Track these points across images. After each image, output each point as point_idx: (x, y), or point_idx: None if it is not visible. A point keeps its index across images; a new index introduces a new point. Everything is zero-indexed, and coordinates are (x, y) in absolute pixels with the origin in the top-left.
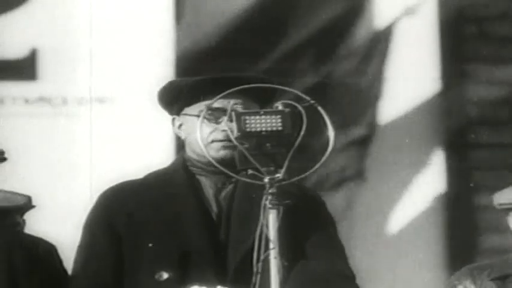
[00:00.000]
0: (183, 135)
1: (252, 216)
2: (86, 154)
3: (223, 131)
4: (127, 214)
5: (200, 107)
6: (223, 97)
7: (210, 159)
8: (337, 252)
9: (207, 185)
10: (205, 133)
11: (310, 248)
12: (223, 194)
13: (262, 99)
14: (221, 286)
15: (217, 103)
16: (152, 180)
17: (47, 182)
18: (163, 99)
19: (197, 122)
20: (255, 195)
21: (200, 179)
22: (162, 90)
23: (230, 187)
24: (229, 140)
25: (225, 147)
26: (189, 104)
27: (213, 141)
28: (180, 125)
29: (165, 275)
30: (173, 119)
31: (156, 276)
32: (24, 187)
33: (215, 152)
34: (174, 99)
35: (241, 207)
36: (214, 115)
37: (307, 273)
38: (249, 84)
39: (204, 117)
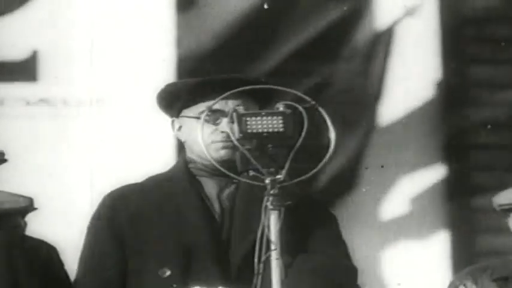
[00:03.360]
0: (182, 138)
1: (254, 215)
2: (86, 155)
3: (222, 132)
4: (130, 214)
5: (199, 108)
6: (222, 98)
7: (212, 161)
8: (339, 248)
9: (209, 185)
10: (204, 134)
11: (312, 245)
12: (225, 193)
13: (261, 101)
14: (223, 287)
15: (216, 105)
16: (154, 183)
17: (48, 184)
18: (163, 101)
19: (196, 123)
20: (257, 195)
21: (202, 180)
22: (161, 93)
23: (232, 187)
24: (229, 141)
25: (224, 148)
26: (187, 106)
27: (212, 143)
28: (180, 127)
29: (168, 272)
30: (172, 121)
31: (160, 273)
32: (24, 189)
33: (215, 152)
34: (173, 101)
35: (244, 206)
36: (213, 116)
37: (308, 263)
38: (248, 85)
39: (205, 119)
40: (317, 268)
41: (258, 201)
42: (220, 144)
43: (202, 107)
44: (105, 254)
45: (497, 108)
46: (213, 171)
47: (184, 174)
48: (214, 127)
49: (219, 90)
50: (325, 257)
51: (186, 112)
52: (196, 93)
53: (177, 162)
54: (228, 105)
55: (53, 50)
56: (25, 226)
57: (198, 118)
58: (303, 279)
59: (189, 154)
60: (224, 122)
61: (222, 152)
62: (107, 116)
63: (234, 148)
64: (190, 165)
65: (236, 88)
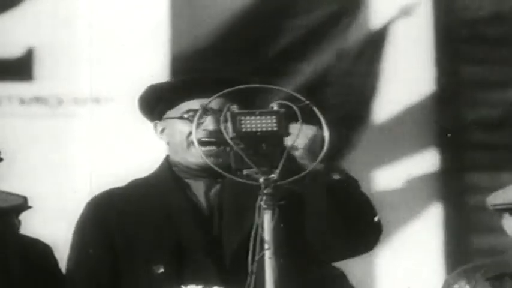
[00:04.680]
0: (165, 139)
1: (243, 210)
2: (82, 154)
3: (205, 130)
4: (117, 215)
5: (181, 109)
6: (200, 98)
7: (205, 158)
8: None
9: (195, 186)
10: (186, 133)
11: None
12: (212, 192)
13: (244, 100)
14: (217, 287)
15: (198, 105)
16: (139, 185)
17: (44, 183)
18: (145, 104)
19: (180, 124)
20: (244, 189)
21: (187, 181)
22: (143, 96)
23: (218, 186)
24: (211, 138)
25: (208, 154)
26: (170, 107)
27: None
28: (163, 130)
29: (161, 269)
30: (155, 124)
31: (154, 269)
32: (20, 188)
33: (195, 159)
34: (156, 102)
35: (232, 201)
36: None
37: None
38: (230, 84)
39: (187, 119)
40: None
41: (245, 196)
42: (205, 150)
43: (184, 107)
44: (95, 256)
45: (491, 108)
46: (197, 173)
47: (170, 175)
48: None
49: (201, 89)
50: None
51: (169, 113)
52: (179, 93)
53: (161, 165)
54: (210, 104)
55: (48, 48)
56: (19, 225)
57: (182, 118)
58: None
59: (173, 156)
60: (208, 120)
61: (206, 149)
62: (103, 115)
63: (217, 154)
64: (175, 168)
65: (218, 86)
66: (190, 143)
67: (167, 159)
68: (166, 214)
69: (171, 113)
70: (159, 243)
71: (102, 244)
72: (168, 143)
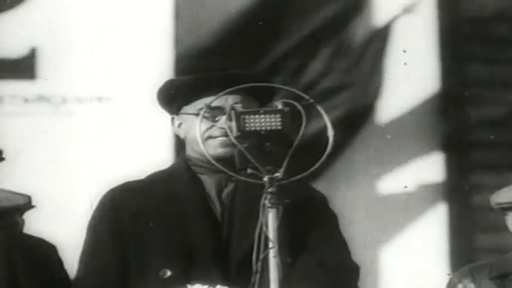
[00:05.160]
0: (182, 134)
1: (254, 214)
2: (85, 153)
3: (221, 128)
4: (131, 213)
5: (198, 105)
6: (223, 95)
7: (208, 156)
8: (339, 245)
9: (209, 183)
10: (202, 131)
11: (312, 243)
12: (225, 192)
13: (261, 98)
14: (221, 286)
15: (216, 101)
16: (155, 180)
17: (46, 182)
18: (162, 98)
19: (196, 120)
20: (256, 194)
21: (202, 178)
22: (161, 89)
23: (232, 185)
24: (226, 137)
25: (222, 145)
26: (187, 103)
27: (209, 138)
28: (180, 124)
29: (169, 272)
30: (172, 119)
31: (160, 273)
32: (23, 187)
33: (213, 149)
34: (173, 97)
35: (243, 205)
36: (212, 113)
37: (312, 262)
38: (246, 82)
39: (204, 116)
40: (323, 268)
41: (257, 200)
42: (218, 141)
43: (201, 103)
44: (106, 251)
45: (496, 107)
46: (212, 169)
47: (185, 172)
48: (212, 123)
49: (218, 87)
50: (329, 255)
51: (186, 109)
52: (196, 90)
53: (178, 160)
54: (227, 101)
55: (51, 47)
56: (23, 224)
57: (197, 115)
58: (306, 278)
59: (189, 151)
60: (223, 119)
61: (220, 150)
62: (105, 114)
63: (232, 146)
64: (190, 163)
65: (235, 84)
66: (207, 138)
67: (183, 155)
68: (179, 216)
69: (188, 108)
70: (169, 246)
71: (114, 242)
72: (184, 138)
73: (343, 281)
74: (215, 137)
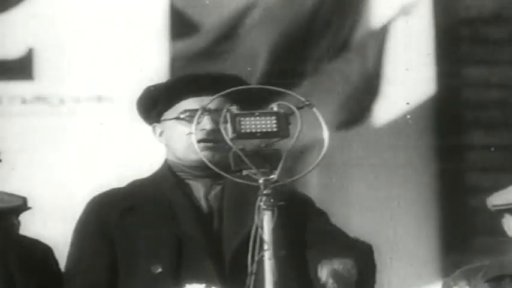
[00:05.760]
0: (164, 142)
1: (243, 210)
2: (83, 154)
3: (202, 130)
4: (118, 214)
5: (178, 109)
6: (196, 97)
7: (204, 159)
8: (340, 230)
9: (196, 187)
10: (184, 134)
11: (311, 236)
12: (212, 194)
13: (243, 100)
14: (216, 286)
15: (195, 104)
16: (141, 185)
17: (44, 183)
18: (142, 106)
19: (178, 125)
20: (244, 191)
21: (188, 182)
22: (140, 98)
23: (218, 188)
24: (208, 140)
25: (205, 148)
26: (167, 108)
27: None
28: (161, 132)
29: (159, 269)
30: (154, 127)
31: (152, 269)
32: (20, 188)
33: (194, 154)
34: (153, 104)
35: (233, 203)
36: (193, 116)
37: (328, 237)
38: (225, 83)
39: (183, 119)
40: (339, 243)
41: (246, 198)
42: (202, 145)
43: (180, 107)
44: (95, 254)
45: (491, 109)
46: (196, 173)
47: (170, 176)
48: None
49: (195, 88)
50: (341, 236)
51: (167, 114)
52: (175, 92)
53: (162, 166)
54: (204, 103)
55: (49, 48)
56: (19, 225)
57: (178, 119)
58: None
59: (172, 158)
60: (205, 120)
61: (205, 154)
62: (103, 114)
63: (213, 149)
64: (176, 169)
65: (214, 85)
66: (190, 143)
67: (166, 162)
68: (166, 214)
69: (168, 114)
70: (159, 243)
71: (102, 243)
72: (166, 145)
73: (361, 252)
74: (198, 141)
